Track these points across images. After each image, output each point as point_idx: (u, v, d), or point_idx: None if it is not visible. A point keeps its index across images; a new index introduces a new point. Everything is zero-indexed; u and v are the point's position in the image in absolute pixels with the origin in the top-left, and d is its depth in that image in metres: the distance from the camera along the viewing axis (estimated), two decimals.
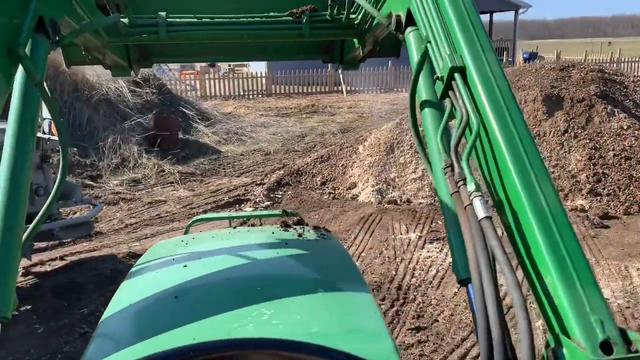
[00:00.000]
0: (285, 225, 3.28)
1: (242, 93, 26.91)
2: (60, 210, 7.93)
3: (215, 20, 2.85)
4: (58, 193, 1.91)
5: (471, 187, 1.40)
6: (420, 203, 10.35)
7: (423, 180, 10.76)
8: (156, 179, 12.79)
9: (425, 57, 1.83)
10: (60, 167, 1.91)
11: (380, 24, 2.37)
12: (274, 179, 12.19)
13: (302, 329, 1.97)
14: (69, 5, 2.14)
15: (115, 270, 7.59)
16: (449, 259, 7.40)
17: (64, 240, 8.52)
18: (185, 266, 2.58)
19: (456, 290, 6.73)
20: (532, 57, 35.77)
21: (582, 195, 9.94)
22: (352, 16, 2.83)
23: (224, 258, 2.68)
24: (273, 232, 3.15)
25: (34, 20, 1.77)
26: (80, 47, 2.85)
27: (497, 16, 39.35)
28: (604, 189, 10.03)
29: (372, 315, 2.18)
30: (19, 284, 7.29)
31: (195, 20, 2.83)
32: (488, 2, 34.27)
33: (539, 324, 5.15)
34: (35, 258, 7.80)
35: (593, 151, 10.53)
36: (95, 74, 14.59)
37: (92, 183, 12.11)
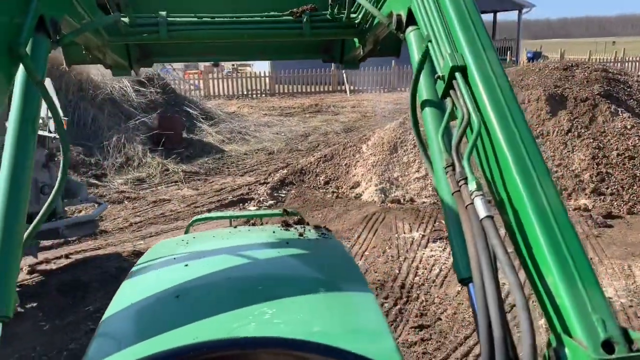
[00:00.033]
0: (286, 225, 3.28)
1: (245, 92, 26.93)
2: (66, 208, 7.96)
3: (216, 19, 2.84)
4: (59, 192, 1.91)
5: (472, 186, 1.39)
6: (424, 202, 10.35)
7: (426, 179, 10.76)
8: (160, 178, 12.83)
9: (426, 56, 1.82)
10: (61, 165, 1.91)
11: (380, 23, 2.36)
12: (278, 178, 12.20)
13: (304, 328, 1.96)
14: (69, 5, 2.14)
15: (120, 268, 7.61)
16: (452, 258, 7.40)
17: (69, 239, 8.55)
18: (186, 265, 2.57)
19: (459, 289, 6.73)
20: (535, 56, 35.73)
21: (586, 194, 9.92)
22: (353, 15, 2.82)
23: (225, 257, 2.67)
24: (274, 232, 3.15)
25: (35, 19, 1.77)
26: (81, 46, 2.85)
27: (500, 16, 39.29)
28: (607, 188, 10.01)
29: (374, 315, 2.17)
30: (25, 282, 7.36)
31: (196, 19, 2.82)
32: (492, 1, 34.23)
33: (541, 322, 5.15)
34: (41, 256, 7.83)
35: (596, 151, 10.50)
36: (99, 73, 14.64)
37: (96, 182, 12.15)
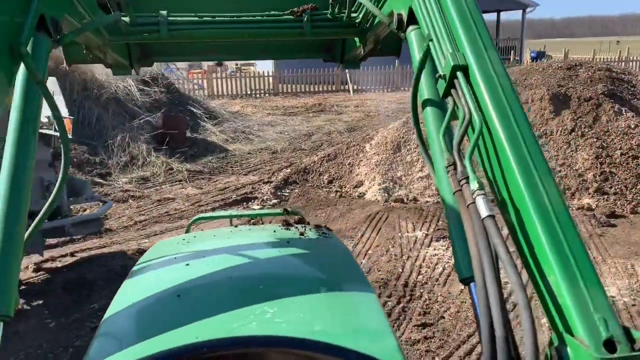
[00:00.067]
0: (287, 224, 3.28)
1: (249, 92, 26.95)
2: (71, 207, 7.99)
3: (217, 19, 2.84)
4: (60, 191, 1.91)
5: (474, 185, 1.39)
6: (427, 201, 10.35)
7: (430, 178, 10.74)
8: (165, 177, 12.86)
9: (427, 55, 1.82)
10: (62, 165, 1.91)
11: (381, 22, 2.36)
12: (281, 177, 12.21)
13: (305, 327, 1.96)
14: (70, 4, 2.15)
15: (124, 266, 7.64)
16: None
17: (75, 237, 8.59)
18: (187, 265, 2.57)
19: (462, 288, 6.72)
20: (539, 56, 35.65)
21: (589, 194, 9.90)
22: (354, 15, 2.82)
23: (226, 257, 2.67)
24: (274, 231, 3.14)
25: (36, 18, 1.78)
26: (82, 45, 2.85)
27: (504, 15, 39.26)
28: (610, 187, 9.99)
29: (375, 314, 2.17)
30: (31, 280, 7.39)
31: (197, 19, 2.82)
32: (495, 1, 34.17)
33: (543, 321, 5.14)
34: (46, 254, 7.87)
35: (600, 150, 10.48)
36: (104, 72, 14.67)
37: (101, 181, 12.19)
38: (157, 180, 12.66)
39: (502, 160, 1.42)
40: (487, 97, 1.50)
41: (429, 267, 7.51)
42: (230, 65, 32.72)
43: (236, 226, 3.54)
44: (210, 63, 29.84)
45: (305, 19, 2.84)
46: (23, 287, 7.11)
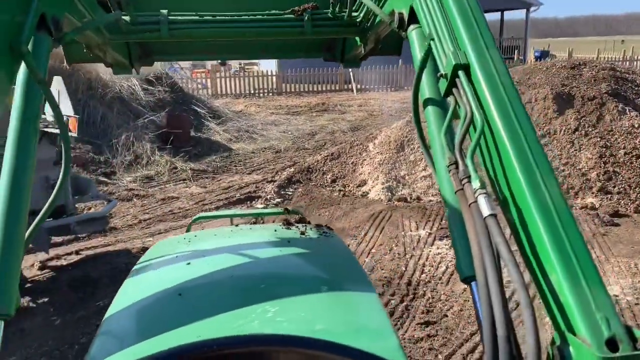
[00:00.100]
0: (288, 224, 3.27)
1: (252, 91, 26.93)
2: (76, 205, 8.03)
3: (217, 18, 2.84)
4: (60, 190, 1.90)
5: (476, 184, 1.39)
6: (430, 200, 10.34)
7: (433, 178, 10.73)
8: (169, 176, 12.88)
9: (428, 54, 1.81)
10: (63, 164, 1.91)
11: (382, 21, 2.35)
12: (285, 176, 12.22)
13: (307, 326, 1.96)
14: (70, 3, 2.14)
15: (129, 264, 7.62)
16: None
17: (79, 235, 8.63)
18: (188, 264, 2.57)
19: (465, 286, 6.71)
20: (543, 55, 35.56)
21: (593, 193, 9.88)
22: (354, 14, 2.81)
23: (227, 256, 2.67)
24: (275, 230, 3.14)
25: (36, 17, 1.77)
26: (82, 44, 2.85)
27: (508, 14, 39.09)
28: (614, 187, 9.97)
29: (376, 313, 2.17)
30: (36, 278, 7.43)
31: (197, 18, 2.82)
32: (499, 0, 34.09)
33: (545, 320, 5.14)
34: (52, 252, 7.91)
35: (604, 149, 10.46)
36: (108, 72, 14.65)
37: (106, 179, 12.22)
38: (161, 179, 12.69)
39: (503, 159, 1.42)
40: (488, 96, 1.50)
41: (432, 266, 7.51)
42: (234, 64, 32.74)
43: (237, 225, 3.54)
44: (214, 62, 29.86)
45: (306, 18, 2.83)
46: (29, 284, 7.15)
